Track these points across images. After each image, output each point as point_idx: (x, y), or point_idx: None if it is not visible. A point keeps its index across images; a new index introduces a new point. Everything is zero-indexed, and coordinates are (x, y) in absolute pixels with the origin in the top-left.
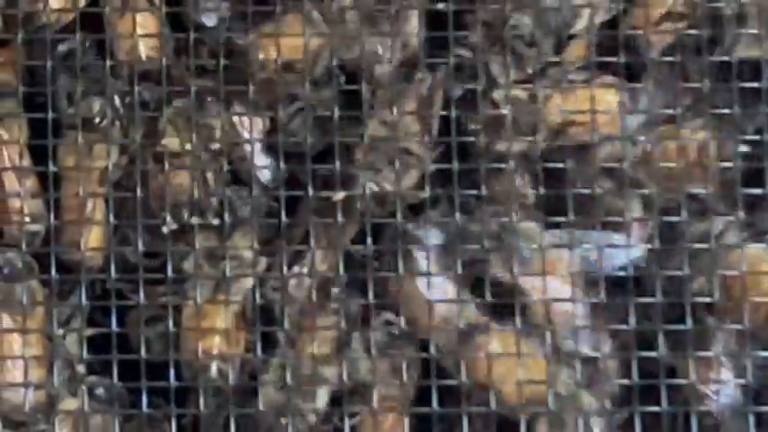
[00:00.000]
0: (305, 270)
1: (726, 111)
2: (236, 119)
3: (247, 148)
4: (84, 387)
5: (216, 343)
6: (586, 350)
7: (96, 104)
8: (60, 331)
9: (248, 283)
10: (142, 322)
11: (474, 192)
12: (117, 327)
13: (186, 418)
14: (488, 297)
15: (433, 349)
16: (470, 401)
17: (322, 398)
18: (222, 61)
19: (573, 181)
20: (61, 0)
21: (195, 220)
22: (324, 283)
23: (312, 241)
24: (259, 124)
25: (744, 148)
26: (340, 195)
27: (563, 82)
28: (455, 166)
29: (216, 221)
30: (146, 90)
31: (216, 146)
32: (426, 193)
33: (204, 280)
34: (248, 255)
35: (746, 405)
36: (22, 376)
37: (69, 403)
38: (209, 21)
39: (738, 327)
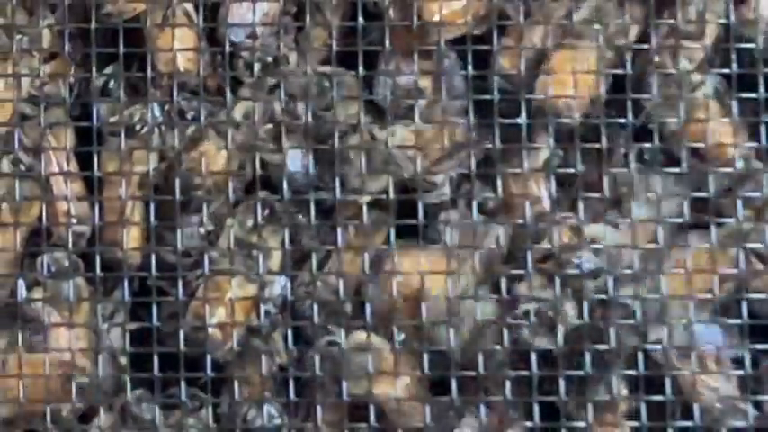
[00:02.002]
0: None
1: None
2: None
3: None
4: (127, 378)
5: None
6: None
7: (137, 113)
8: (104, 325)
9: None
10: (181, 317)
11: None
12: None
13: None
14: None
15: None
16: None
17: None
18: (256, 72)
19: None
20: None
21: (230, 222)
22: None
23: (339, 242)
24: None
25: None
26: (365, 198)
27: None
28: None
29: (250, 222)
30: (183, 100)
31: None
32: (446, 196)
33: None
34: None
35: None
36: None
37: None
38: (237, 37)
39: None
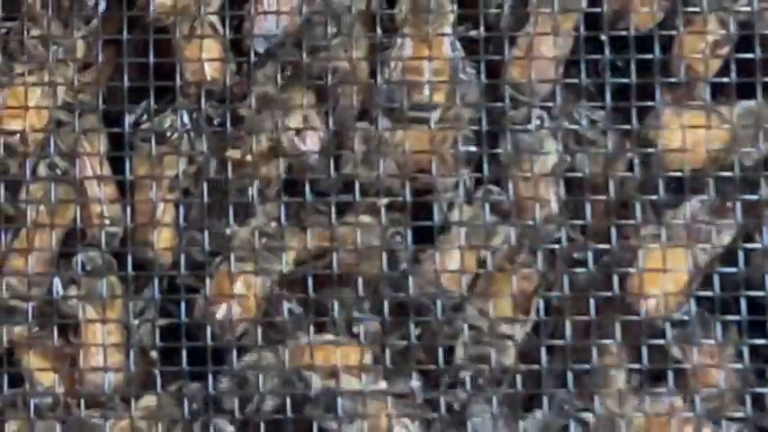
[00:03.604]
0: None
1: None
2: (293, 133)
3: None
4: (157, 371)
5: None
6: None
7: (167, 120)
8: (136, 321)
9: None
10: (208, 313)
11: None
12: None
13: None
14: None
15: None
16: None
17: None
18: (279, 81)
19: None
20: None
21: (255, 222)
22: None
23: (358, 242)
24: (314, 137)
25: None
26: (384, 201)
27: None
28: (485, 172)
29: (273, 224)
30: (211, 107)
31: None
32: (460, 197)
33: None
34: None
35: None
36: (103, 361)
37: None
38: (261, 47)
39: None
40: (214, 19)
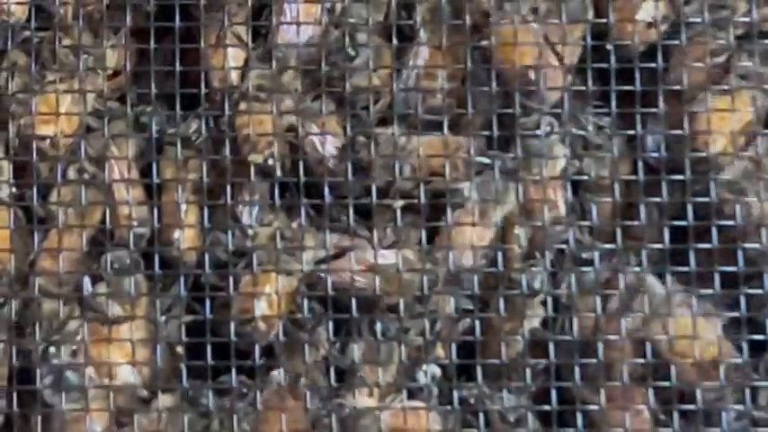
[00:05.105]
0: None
1: None
2: (313, 138)
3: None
4: (183, 365)
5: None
6: None
7: (193, 125)
8: (163, 318)
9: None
10: (233, 311)
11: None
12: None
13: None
14: None
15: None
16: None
17: None
18: (299, 88)
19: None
20: None
21: (276, 224)
22: None
23: (375, 241)
24: (333, 142)
25: None
26: (399, 203)
27: None
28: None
29: (294, 224)
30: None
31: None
32: (472, 199)
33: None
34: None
35: None
36: (131, 356)
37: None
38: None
39: None
40: (239, 29)
